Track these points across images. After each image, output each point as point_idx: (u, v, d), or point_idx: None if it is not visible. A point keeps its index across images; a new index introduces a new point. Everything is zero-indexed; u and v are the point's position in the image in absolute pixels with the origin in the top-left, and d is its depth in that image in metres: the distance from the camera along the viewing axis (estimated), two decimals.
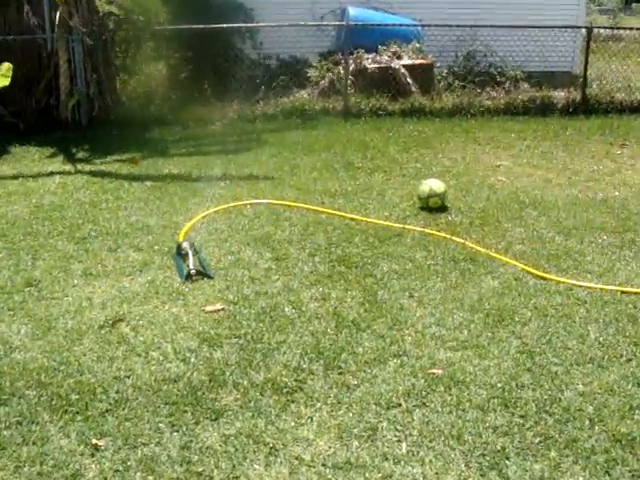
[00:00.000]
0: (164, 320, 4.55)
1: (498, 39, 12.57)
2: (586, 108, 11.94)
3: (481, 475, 3.15)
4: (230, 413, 3.55)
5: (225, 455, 3.24)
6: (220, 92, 11.21)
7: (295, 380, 3.85)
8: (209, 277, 5.22)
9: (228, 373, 3.90)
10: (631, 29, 17.22)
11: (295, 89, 11.56)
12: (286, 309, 4.70)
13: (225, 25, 11.43)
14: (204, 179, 7.89)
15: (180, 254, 5.52)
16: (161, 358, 4.08)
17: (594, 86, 12.63)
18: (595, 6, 33.47)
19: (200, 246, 5.75)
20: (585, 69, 12.24)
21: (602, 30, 15.75)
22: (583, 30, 12.91)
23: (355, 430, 3.43)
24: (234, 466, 3.17)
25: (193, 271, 5.22)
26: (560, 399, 3.74)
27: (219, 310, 4.70)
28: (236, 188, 7.49)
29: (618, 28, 16.68)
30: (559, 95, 12.28)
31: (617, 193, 7.57)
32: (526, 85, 12.38)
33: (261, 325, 4.47)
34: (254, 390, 3.74)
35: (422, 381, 3.87)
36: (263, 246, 5.83)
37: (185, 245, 5.57)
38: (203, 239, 5.97)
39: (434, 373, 3.96)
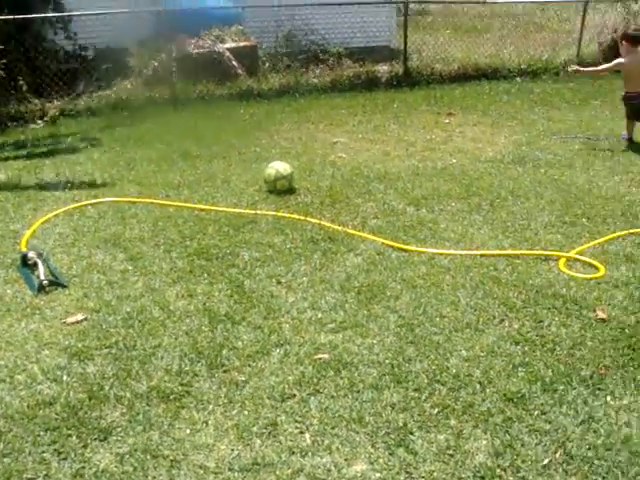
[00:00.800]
0: (23, 339, 4.20)
1: (318, 17, 12.64)
2: (409, 80, 12.28)
3: (390, 454, 3.14)
4: (119, 430, 3.32)
5: (124, 476, 3.02)
6: (37, 88, 10.57)
7: (180, 384, 3.67)
8: (63, 286, 4.90)
9: (107, 387, 3.66)
10: (443, 2, 17.81)
11: (118, 80, 11.08)
12: (153, 311, 4.49)
13: (33, 15, 10.75)
14: (36, 182, 7.41)
15: (27, 265, 5.14)
16: (29, 381, 3.76)
17: (414, 59, 13.02)
18: None
19: (47, 253, 5.39)
20: (405, 43, 12.58)
21: (411, 5, 16.21)
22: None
23: (254, 428, 3.32)
24: None
25: (45, 282, 4.87)
26: (448, 367, 3.80)
27: (81, 320, 4.41)
28: (72, 188, 7.08)
29: (430, 2, 17.21)
30: (382, 69, 12.57)
31: (454, 160, 7.82)
32: (349, 61, 12.55)
33: (131, 331, 4.24)
34: (139, 401, 3.53)
35: (310, 368, 3.81)
36: (114, 247, 5.55)
37: (32, 255, 5.19)
38: (48, 246, 5.60)
39: (320, 358, 3.90)
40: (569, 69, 8.81)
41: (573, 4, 17.54)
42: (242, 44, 11.87)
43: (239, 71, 11.45)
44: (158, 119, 10.07)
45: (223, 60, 11.37)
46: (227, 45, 11.72)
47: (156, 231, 5.85)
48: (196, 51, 11.40)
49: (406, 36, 12.66)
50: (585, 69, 8.76)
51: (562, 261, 5.17)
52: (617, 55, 12.59)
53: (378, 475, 3.02)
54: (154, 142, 8.81)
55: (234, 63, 11.43)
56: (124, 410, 3.47)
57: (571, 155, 8.10)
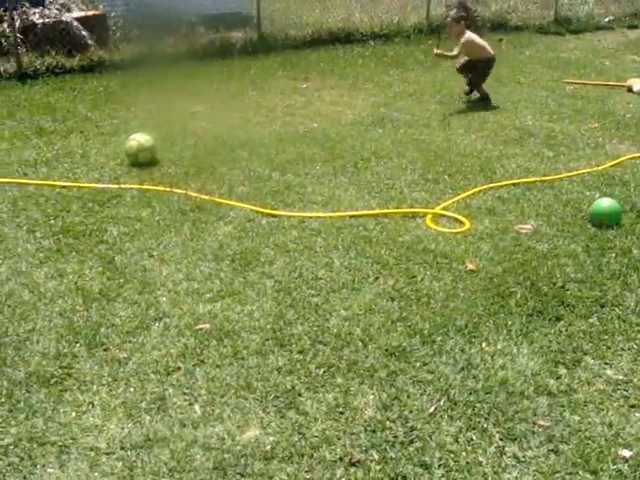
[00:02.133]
0: None
1: None
2: (264, 46, 12.22)
3: (281, 417, 3.17)
4: (0, 420, 3.19)
5: (10, 468, 2.91)
6: None
7: (60, 367, 3.56)
8: None
9: None
10: None
11: None
12: (23, 294, 4.30)
13: None
14: None
15: None
16: None
17: (267, 25, 12.95)
18: None
19: None
20: (258, 9, 12.50)
21: None
22: None
23: (142, 404, 3.27)
24: (25, 477, 2.87)
25: None
26: (329, 327, 3.87)
27: None
28: None
29: None
30: (237, 36, 12.44)
31: (315, 124, 7.89)
32: (202, 29, 12.32)
33: (1, 317, 4.05)
34: (19, 389, 3.39)
35: (192, 339, 3.78)
36: None
37: None
38: None
39: (202, 328, 3.88)
40: (434, 52, 8.98)
41: None
42: (90, 13, 11.43)
43: (89, 41, 11.02)
44: (4, 94, 9.56)
45: (71, 30, 10.90)
46: (74, 14, 11.24)
47: (16, 211, 5.59)
48: (41, 21, 10.86)
49: (259, 2, 12.57)
50: (445, 53, 8.90)
51: (429, 217, 5.34)
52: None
53: (271, 439, 3.05)
54: (4, 119, 8.37)
55: (83, 33, 10.98)
56: (3, 399, 3.33)
57: (428, 115, 8.34)
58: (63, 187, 6.08)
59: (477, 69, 8.94)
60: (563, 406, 3.29)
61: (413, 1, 15.82)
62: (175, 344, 3.75)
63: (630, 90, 9.92)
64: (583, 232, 5.16)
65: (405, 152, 6.90)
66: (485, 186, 6.02)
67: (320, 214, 5.39)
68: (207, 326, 3.90)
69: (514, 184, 6.11)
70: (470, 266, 4.60)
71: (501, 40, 14.01)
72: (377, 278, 4.43)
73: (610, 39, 15.06)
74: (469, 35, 8.78)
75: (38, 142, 7.46)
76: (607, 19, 15.22)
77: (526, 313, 4.08)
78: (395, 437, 3.06)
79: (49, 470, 2.89)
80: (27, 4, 10.89)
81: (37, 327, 3.93)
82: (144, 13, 11.49)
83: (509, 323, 3.97)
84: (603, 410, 3.27)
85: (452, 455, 2.96)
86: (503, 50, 13.08)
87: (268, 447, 3.00)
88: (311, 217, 5.34)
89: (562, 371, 3.55)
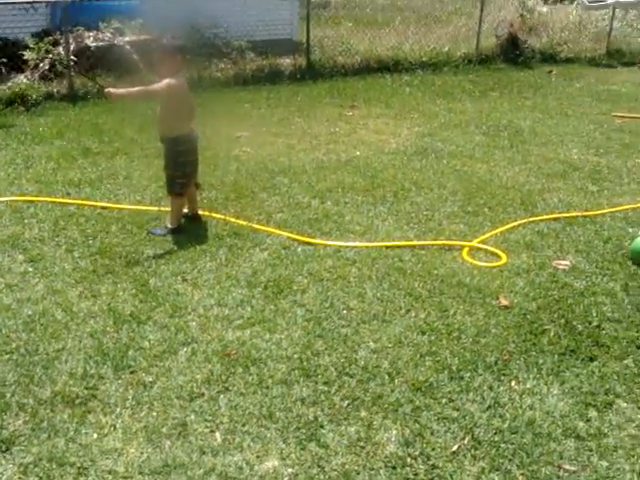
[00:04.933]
0: None
1: (221, 10, 12.52)
2: (312, 73, 12.31)
3: (301, 448, 3.15)
4: (22, 439, 3.22)
5: None
6: None
7: (86, 388, 3.59)
8: None
9: (9, 395, 3.54)
10: None
11: (12, 74, 10.68)
12: (56, 313, 4.36)
13: None
14: None
15: None
16: None
17: (317, 52, 13.04)
18: None
19: None
20: (308, 36, 12.60)
21: None
22: None
23: (163, 429, 3.27)
24: None
25: None
26: (356, 359, 3.83)
27: None
28: None
29: None
30: (285, 62, 12.54)
31: (358, 153, 7.89)
32: (252, 54, 12.44)
33: (33, 335, 4.11)
34: (44, 408, 3.43)
35: (219, 365, 3.78)
36: (13, 248, 5.36)
37: None
38: None
39: (229, 355, 3.88)
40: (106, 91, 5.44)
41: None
42: (143, 37, 11.63)
43: (140, 65, 11.21)
44: (56, 115, 9.77)
45: (123, 54, 11.11)
46: (127, 38, 11.46)
47: (57, 231, 5.68)
48: (95, 44, 11.10)
49: (309, 29, 12.67)
50: (119, 92, 5.48)
51: (465, 250, 5.29)
52: (515, 48, 12.92)
53: (290, 470, 3.02)
54: (53, 139, 8.54)
55: (134, 57, 11.19)
56: (27, 418, 3.36)
57: (472, 146, 8.28)
58: (104, 208, 6.16)
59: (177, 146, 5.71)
60: (591, 450, 3.21)
61: (465, 31, 15.81)
62: (201, 370, 3.75)
63: None
64: (623, 270, 5.06)
65: (446, 183, 6.86)
66: (525, 220, 5.94)
67: (356, 244, 5.37)
68: (234, 353, 3.90)
69: (555, 218, 6.03)
70: (504, 302, 4.53)
71: (551, 72, 13.91)
72: (409, 310, 4.39)
73: None
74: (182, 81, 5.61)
75: (84, 162, 7.59)
76: None
77: (558, 352, 4.01)
78: (415, 475, 3.01)
79: None
80: (82, 27, 11.10)
81: (67, 347, 3.98)
82: (195, 39, 11.64)
83: (540, 362, 3.90)
84: (634, 457, 3.18)
85: None
86: (552, 82, 12.98)
87: (286, 479, 2.97)
88: (347, 247, 5.32)
89: (592, 414, 3.47)
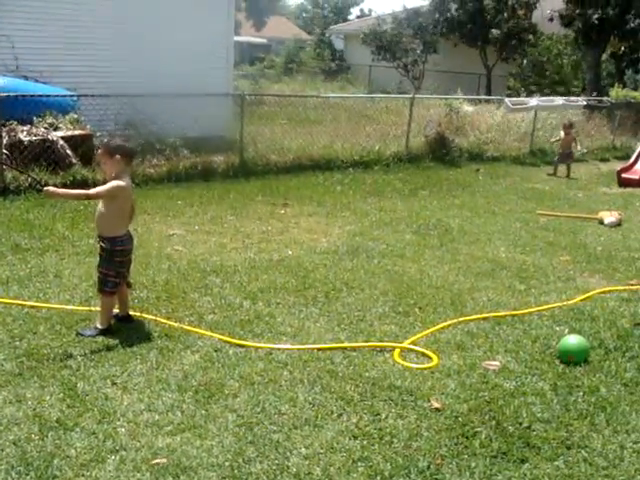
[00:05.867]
0: None
1: (157, 107, 12.70)
2: (245, 171, 12.50)
3: None
4: None
5: None
6: None
7: None
8: None
9: None
10: (280, 96, 18.43)
11: None
12: None
13: None
14: None
15: None
16: None
17: (250, 149, 13.26)
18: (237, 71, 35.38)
19: None
20: (241, 134, 12.83)
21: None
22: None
23: None
24: None
25: None
26: (288, 466, 3.80)
27: None
28: None
29: (267, 95, 17.74)
30: (219, 159, 12.70)
31: (290, 252, 7.95)
32: (186, 151, 12.57)
33: None
34: None
35: (148, 474, 3.70)
36: None
37: None
38: None
39: (158, 463, 3.80)
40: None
41: (400, 99, 18.62)
42: (77, 132, 11.65)
43: (73, 160, 11.21)
44: None
45: (56, 148, 11.10)
46: (61, 133, 11.47)
47: None
48: (28, 138, 11.07)
49: (242, 128, 12.92)
50: (60, 191, 5.66)
51: (397, 352, 5.34)
52: (443, 147, 13.39)
53: None
54: None
55: (68, 152, 11.17)
56: None
57: (403, 245, 8.44)
58: (32, 307, 6.05)
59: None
60: None
61: (394, 130, 16.30)
62: (129, 479, 3.65)
63: (601, 222, 10.17)
64: (551, 369, 5.18)
65: (377, 283, 6.96)
66: (455, 320, 6.05)
67: (287, 346, 5.37)
68: (164, 461, 3.83)
69: (484, 318, 6.15)
70: (435, 404, 4.57)
71: (478, 170, 14.42)
72: (340, 415, 4.39)
73: (583, 170, 15.55)
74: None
75: (12, 259, 7.45)
76: (580, 151, 15.74)
77: (490, 455, 4.04)
78: None
79: None
80: (15, 122, 11.08)
81: None
82: (129, 134, 11.70)
83: (472, 465, 3.92)
84: None
85: None
86: (480, 180, 13.43)
87: None
88: (278, 349, 5.32)
89: None
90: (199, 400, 4.51)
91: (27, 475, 3.68)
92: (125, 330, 5.57)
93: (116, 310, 5.81)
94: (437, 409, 4.52)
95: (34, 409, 4.36)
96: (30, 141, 11.04)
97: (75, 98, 12.33)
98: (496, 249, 8.50)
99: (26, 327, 5.62)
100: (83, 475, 3.70)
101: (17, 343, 5.32)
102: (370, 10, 61.38)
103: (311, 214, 9.98)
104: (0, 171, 10.51)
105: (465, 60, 31.25)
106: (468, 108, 18.56)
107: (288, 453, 3.93)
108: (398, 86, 30.41)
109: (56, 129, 11.55)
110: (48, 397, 4.52)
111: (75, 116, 12.02)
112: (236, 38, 23.14)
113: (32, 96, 11.70)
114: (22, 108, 11.24)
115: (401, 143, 15.10)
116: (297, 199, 10.87)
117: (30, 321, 5.75)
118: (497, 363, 5.27)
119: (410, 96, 16.54)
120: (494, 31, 29.74)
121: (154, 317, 5.84)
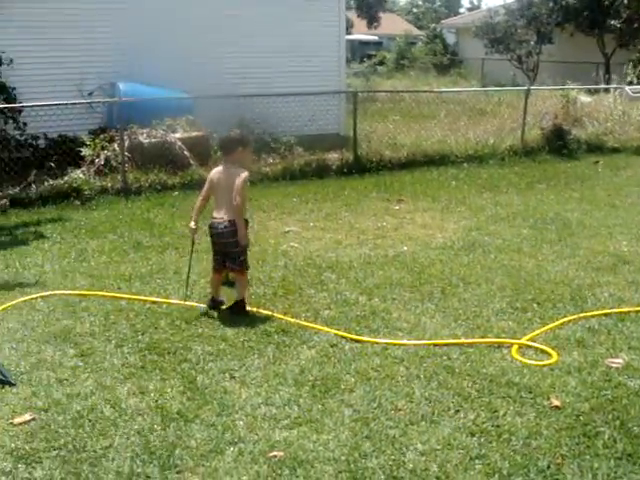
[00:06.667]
0: None
1: (271, 107, 12.92)
2: (359, 167, 12.52)
3: None
4: None
5: None
6: None
7: None
8: (10, 384, 4.77)
9: None
10: (392, 92, 18.39)
11: (70, 169, 11.04)
12: (104, 409, 4.40)
13: None
14: None
15: None
16: None
17: (363, 146, 13.28)
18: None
19: None
20: (355, 131, 12.87)
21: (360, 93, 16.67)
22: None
23: None
24: None
25: None
26: (405, 462, 3.77)
27: (29, 421, 4.30)
28: (21, 280, 6.96)
29: (379, 91, 17.74)
30: (333, 157, 12.78)
31: (405, 248, 7.91)
32: (300, 149, 12.72)
33: (81, 431, 4.14)
34: None
35: (265, 467, 3.75)
36: (64, 342, 5.44)
37: None
38: None
39: (275, 456, 3.85)
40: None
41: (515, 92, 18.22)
42: (194, 134, 11.98)
43: (190, 161, 11.52)
44: (109, 209, 10.04)
45: (174, 149, 11.44)
46: (178, 135, 11.81)
47: (107, 325, 5.77)
48: (148, 140, 11.47)
49: (355, 125, 12.94)
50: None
51: (515, 348, 5.22)
52: (560, 139, 12.96)
53: None
54: (106, 233, 8.75)
55: (185, 153, 11.50)
56: None
57: (519, 240, 8.25)
58: (153, 303, 6.25)
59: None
60: None
61: (510, 123, 15.98)
62: (248, 471, 3.72)
63: None
64: None
65: (494, 278, 6.83)
66: (575, 316, 5.87)
67: (404, 341, 5.35)
68: (281, 454, 3.87)
69: (606, 314, 5.93)
70: (555, 402, 4.44)
71: (597, 162, 13.92)
72: (457, 411, 4.33)
73: None
74: None
75: (134, 257, 7.74)
76: None
77: (614, 456, 3.89)
78: None
79: None
80: (136, 125, 11.49)
81: (114, 444, 3.99)
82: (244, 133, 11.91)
83: (595, 466, 3.79)
84: None
85: None
86: (599, 173, 12.98)
87: None
88: (395, 344, 5.29)
89: None
90: (315, 395, 4.54)
91: (150, 463, 3.80)
92: (243, 325, 5.67)
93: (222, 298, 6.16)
94: (557, 407, 4.39)
95: (156, 401, 4.50)
96: (150, 143, 11.43)
97: (192, 100, 12.67)
98: (618, 243, 8.18)
99: (148, 322, 5.81)
100: (203, 465, 3.78)
101: (140, 337, 5.51)
102: (480, 1, 60.41)
103: (426, 210, 9.89)
104: (123, 173, 10.92)
105: (581, 49, 30.24)
106: (586, 98, 17.94)
107: (404, 449, 3.91)
108: (512, 79, 29.74)
109: (174, 131, 11.90)
110: (169, 389, 4.66)
111: (191, 117, 12.33)
112: (347, 37, 23.24)
113: (151, 100, 12.10)
114: (142, 112, 11.64)
115: (516, 136, 14.75)
116: (411, 195, 10.80)
117: (152, 316, 5.94)
118: (620, 360, 5.07)
119: (525, 88, 16.14)
120: (613, 22, 28.59)
121: (271, 312, 5.92)
